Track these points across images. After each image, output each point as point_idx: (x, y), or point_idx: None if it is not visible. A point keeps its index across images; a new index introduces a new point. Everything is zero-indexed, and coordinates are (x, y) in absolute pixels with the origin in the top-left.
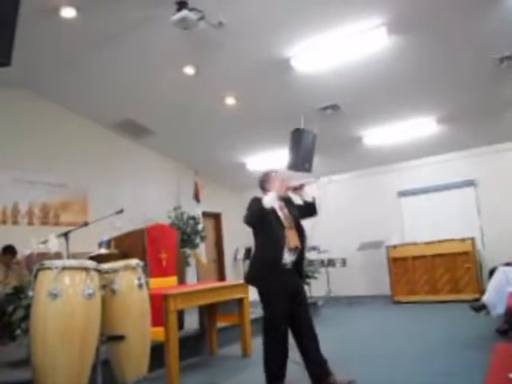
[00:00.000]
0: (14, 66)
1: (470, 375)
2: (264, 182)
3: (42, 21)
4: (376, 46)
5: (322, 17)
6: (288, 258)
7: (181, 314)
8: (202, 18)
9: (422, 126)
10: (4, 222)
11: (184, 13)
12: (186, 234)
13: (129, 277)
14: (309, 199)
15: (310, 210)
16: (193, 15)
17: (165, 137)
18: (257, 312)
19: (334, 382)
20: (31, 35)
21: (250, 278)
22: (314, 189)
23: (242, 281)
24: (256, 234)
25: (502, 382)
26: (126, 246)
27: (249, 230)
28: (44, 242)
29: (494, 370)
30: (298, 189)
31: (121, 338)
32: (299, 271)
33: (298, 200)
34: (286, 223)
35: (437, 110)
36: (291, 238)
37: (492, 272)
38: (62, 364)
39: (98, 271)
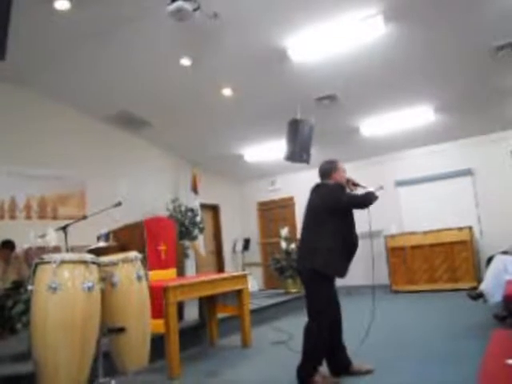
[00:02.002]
0: (8, 58)
1: (467, 362)
2: (331, 169)
3: (35, 13)
4: (373, 35)
5: (318, 6)
6: None
7: (180, 306)
8: (197, 9)
9: (420, 116)
10: (1, 217)
11: (179, 3)
12: (184, 226)
13: (128, 269)
14: None
15: None
16: (188, 6)
17: (162, 128)
18: (256, 303)
19: (354, 370)
20: (24, 28)
21: (326, 265)
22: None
23: (240, 272)
24: (333, 225)
25: (498, 368)
26: (124, 239)
27: (247, 222)
28: (42, 236)
29: (491, 357)
30: (355, 185)
31: (121, 330)
32: None
33: None
34: None
35: (434, 100)
36: None
37: (489, 260)
38: (63, 357)
39: (97, 264)
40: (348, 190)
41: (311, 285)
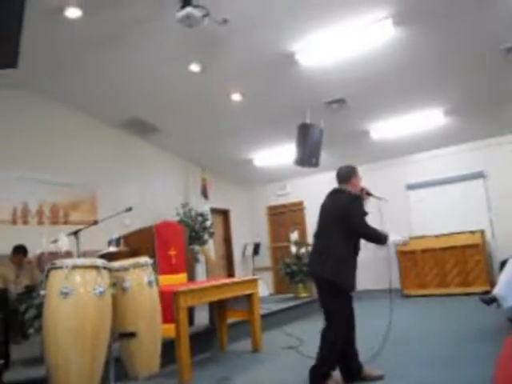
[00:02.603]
0: (21, 66)
1: (479, 368)
2: (350, 174)
3: (47, 21)
4: (382, 38)
5: (326, 10)
6: None
7: (191, 311)
8: (206, 15)
9: (430, 118)
10: (14, 222)
11: (188, 10)
12: (194, 231)
13: (139, 274)
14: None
15: None
16: (197, 12)
17: (172, 134)
18: (266, 307)
19: (365, 375)
20: (36, 36)
21: (336, 274)
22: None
23: (250, 276)
24: (346, 233)
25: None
26: (135, 244)
27: (257, 226)
28: (54, 242)
29: (505, 363)
30: (368, 194)
31: (132, 335)
32: None
33: None
34: None
35: (444, 102)
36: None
37: (503, 264)
38: (74, 361)
39: (109, 269)
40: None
41: (324, 293)
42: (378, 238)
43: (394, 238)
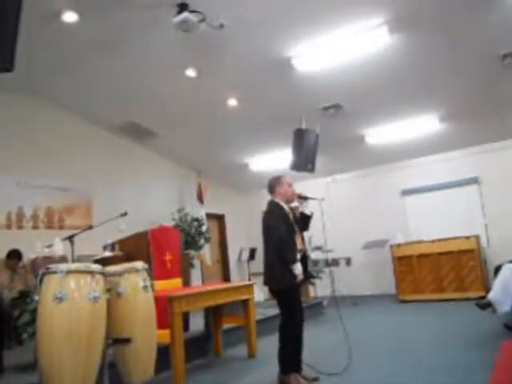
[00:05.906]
0: (17, 70)
1: (475, 373)
2: (274, 184)
3: (43, 25)
4: (378, 44)
5: (323, 16)
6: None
7: (186, 316)
8: (202, 20)
9: (425, 124)
10: (9, 227)
11: (185, 15)
12: (190, 236)
13: (134, 279)
14: (307, 212)
15: (303, 223)
16: (193, 17)
17: (168, 139)
18: (262, 313)
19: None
20: (33, 39)
21: (270, 279)
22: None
23: (246, 281)
24: (271, 242)
25: (508, 379)
26: (130, 249)
27: (252, 231)
28: (49, 246)
29: (501, 368)
30: (302, 198)
31: (127, 340)
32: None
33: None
34: (295, 227)
35: (439, 108)
36: (299, 241)
37: (497, 269)
38: (68, 367)
39: (103, 274)
40: (298, 204)
41: (274, 296)
42: (284, 256)
43: (297, 270)
